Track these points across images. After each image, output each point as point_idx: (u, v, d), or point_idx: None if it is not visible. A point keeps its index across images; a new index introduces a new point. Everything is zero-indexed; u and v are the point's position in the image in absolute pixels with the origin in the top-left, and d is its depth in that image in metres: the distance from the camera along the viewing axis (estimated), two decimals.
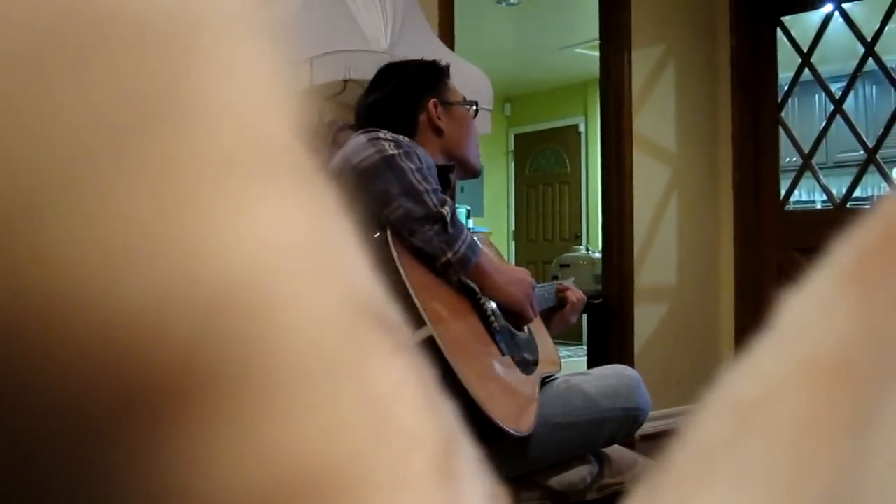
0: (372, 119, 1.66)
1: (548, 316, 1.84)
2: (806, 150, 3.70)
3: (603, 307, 3.55)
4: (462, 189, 5.98)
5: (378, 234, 1.42)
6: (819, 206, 5.32)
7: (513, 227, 8.26)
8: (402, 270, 1.38)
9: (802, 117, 5.37)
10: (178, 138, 0.15)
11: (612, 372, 1.74)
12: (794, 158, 3.84)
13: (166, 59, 0.15)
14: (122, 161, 0.14)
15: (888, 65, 3.50)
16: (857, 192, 3.71)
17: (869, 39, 3.48)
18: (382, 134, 1.49)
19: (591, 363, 3.62)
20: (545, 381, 1.65)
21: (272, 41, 0.17)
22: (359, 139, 1.49)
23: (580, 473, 1.63)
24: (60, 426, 0.14)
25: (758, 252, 3.76)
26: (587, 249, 5.87)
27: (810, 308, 0.19)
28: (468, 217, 5.78)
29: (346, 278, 0.18)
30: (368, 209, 1.43)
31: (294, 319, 0.16)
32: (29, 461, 0.15)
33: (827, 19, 3.61)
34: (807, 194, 5.56)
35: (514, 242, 8.22)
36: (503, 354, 1.54)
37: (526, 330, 1.70)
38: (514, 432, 1.39)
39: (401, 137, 1.51)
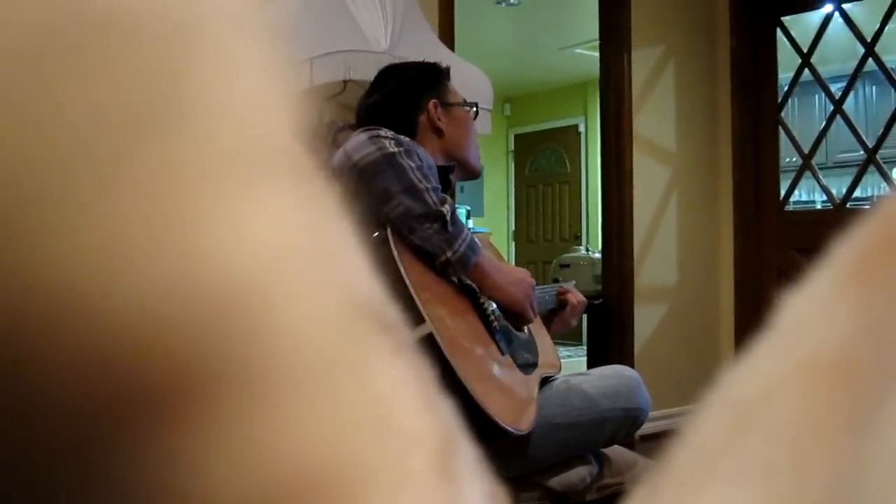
0: (372, 120, 1.66)
1: (548, 318, 1.84)
2: (806, 150, 3.70)
3: (603, 307, 3.55)
4: (462, 189, 5.98)
5: (377, 233, 1.43)
6: (819, 206, 5.32)
7: (513, 228, 8.26)
8: (402, 269, 1.38)
9: (802, 117, 5.37)
10: (177, 138, 0.15)
11: (612, 372, 1.74)
12: (794, 159, 3.84)
13: (166, 59, 0.15)
14: (122, 161, 0.14)
15: (888, 65, 3.50)
16: (857, 193, 3.71)
17: (869, 40, 3.48)
18: (383, 132, 1.49)
19: (591, 363, 3.62)
20: (545, 382, 1.65)
21: (272, 41, 0.17)
22: (360, 137, 1.49)
23: (580, 474, 1.63)
24: (61, 426, 0.14)
25: (758, 252, 3.76)
26: (587, 250, 5.87)
27: (810, 308, 0.19)
28: (468, 217, 5.78)
29: (345, 278, 0.18)
30: (369, 207, 1.43)
31: (294, 319, 0.16)
32: (29, 461, 0.15)
33: (827, 19, 3.61)
34: (807, 194, 5.56)
35: (513, 243, 8.22)
36: (503, 354, 1.54)
37: (526, 331, 1.70)
38: (513, 430, 1.39)
39: (402, 136, 1.52)
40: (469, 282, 1.53)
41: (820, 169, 3.85)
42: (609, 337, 3.57)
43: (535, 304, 1.62)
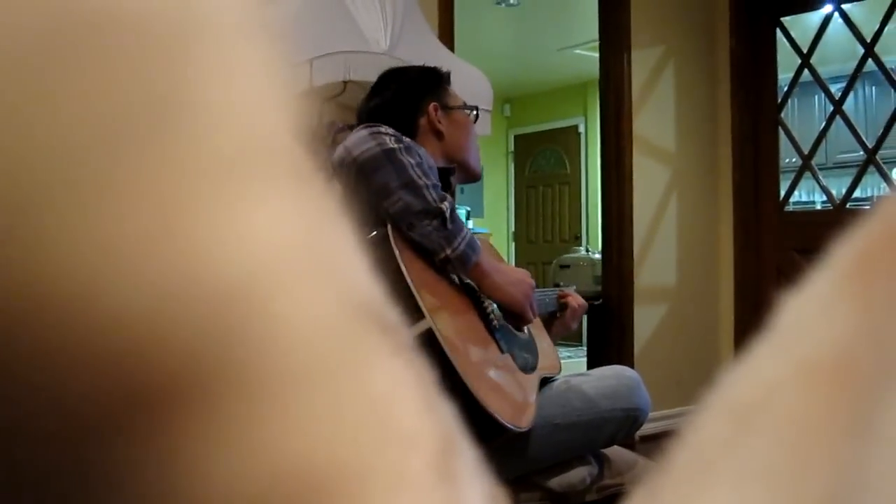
0: (373, 122, 1.66)
1: (548, 321, 1.84)
2: (805, 150, 3.70)
3: (603, 308, 3.55)
4: (462, 190, 5.98)
5: (375, 232, 1.43)
6: (819, 206, 5.33)
7: (512, 229, 8.26)
8: (402, 266, 1.38)
9: (802, 118, 5.37)
10: (177, 139, 0.15)
11: (612, 373, 1.74)
12: (794, 159, 3.84)
13: (165, 60, 0.15)
14: (121, 162, 0.14)
15: (888, 65, 3.50)
16: (857, 193, 3.71)
17: (868, 40, 3.48)
18: (383, 129, 1.50)
19: (591, 364, 3.63)
20: (545, 382, 1.65)
21: (271, 42, 0.17)
22: (360, 133, 1.49)
23: (580, 474, 1.63)
24: (60, 427, 0.14)
25: (757, 253, 3.76)
26: (587, 250, 5.87)
27: (810, 309, 0.19)
28: (468, 218, 5.78)
29: (345, 279, 0.18)
30: (368, 202, 1.44)
31: (293, 320, 0.16)
32: (29, 462, 0.15)
33: (826, 20, 3.61)
34: (806, 195, 5.56)
35: (513, 243, 8.23)
36: (502, 353, 1.54)
37: (526, 331, 1.70)
38: (512, 427, 1.39)
39: (402, 136, 1.52)
40: (469, 281, 1.53)
41: (820, 169, 3.86)
42: (609, 337, 3.58)
43: (535, 305, 1.62)
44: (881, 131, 3.54)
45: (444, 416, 0.19)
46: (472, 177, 1.81)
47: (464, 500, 0.18)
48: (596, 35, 3.69)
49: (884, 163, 3.59)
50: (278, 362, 0.16)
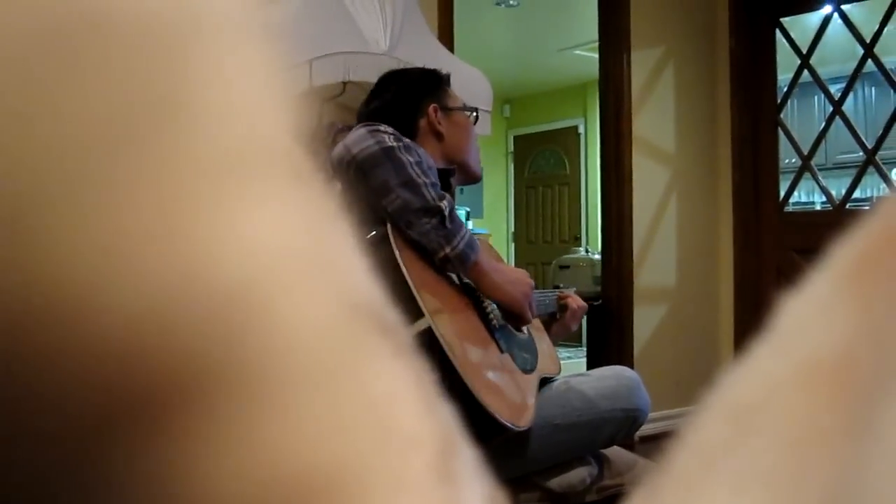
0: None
1: (548, 322, 1.84)
2: (805, 151, 3.70)
3: (602, 309, 3.55)
4: (461, 190, 5.98)
5: (374, 232, 1.43)
6: (818, 207, 5.32)
7: (512, 229, 8.26)
8: (402, 265, 1.38)
9: (801, 118, 5.37)
10: (176, 140, 0.15)
11: (612, 373, 1.74)
12: (794, 160, 3.84)
13: (164, 60, 0.15)
14: (121, 163, 0.14)
15: (887, 66, 3.51)
16: (857, 194, 3.71)
17: (868, 41, 3.48)
18: (383, 127, 1.50)
19: (591, 364, 3.63)
20: (544, 383, 1.65)
21: (271, 43, 0.17)
22: (359, 131, 1.50)
23: (580, 475, 1.63)
24: (60, 427, 0.14)
25: (757, 253, 3.76)
26: (586, 251, 5.88)
27: (810, 310, 0.19)
28: (468, 218, 5.78)
29: (345, 280, 0.18)
30: (367, 200, 1.44)
31: (293, 321, 0.16)
32: (28, 462, 0.15)
33: (826, 20, 3.61)
34: (806, 196, 5.56)
35: (513, 244, 8.23)
36: (502, 352, 1.54)
37: (525, 332, 1.70)
38: (511, 426, 1.39)
39: (402, 136, 1.52)
40: (469, 281, 1.53)
41: (819, 170, 3.86)
42: (608, 338, 3.58)
43: (534, 305, 1.62)
44: (881, 132, 3.54)
45: (444, 418, 0.19)
46: (473, 178, 1.81)
47: (463, 501, 0.18)
48: (596, 36, 3.69)
49: (883, 163, 3.59)
50: (278, 363, 0.16)
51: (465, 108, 1.78)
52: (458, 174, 1.75)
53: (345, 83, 2.09)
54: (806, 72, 3.68)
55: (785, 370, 0.18)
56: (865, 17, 3.63)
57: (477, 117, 1.81)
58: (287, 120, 0.17)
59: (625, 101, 3.53)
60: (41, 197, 0.14)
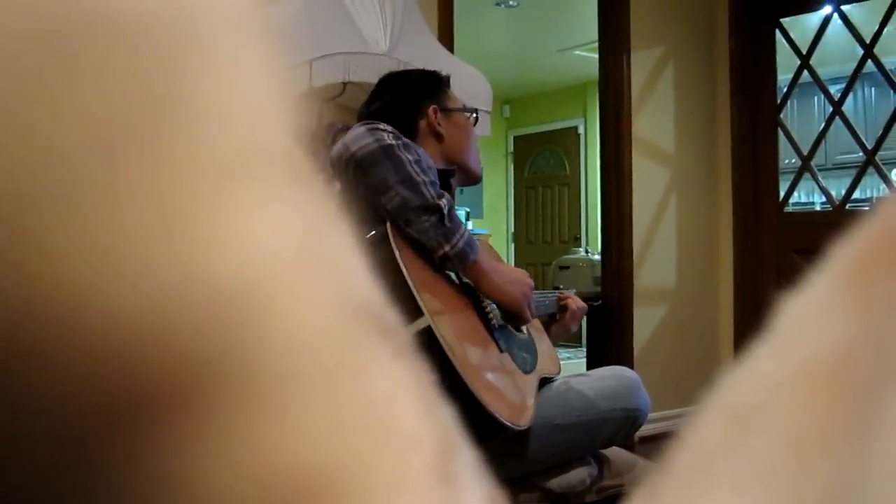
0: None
1: (548, 323, 1.84)
2: (805, 151, 3.71)
3: (602, 309, 3.55)
4: (461, 191, 5.98)
5: (374, 232, 1.43)
6: (818, 207, 5.33)
7: (512, 230, 8.26)
8: (401, 264, 1.38)
9: (801, 119, 5.37)
10: (175, 140, 0.15)
11: (612, 373, 1.74)
12: (793, 160, 3.84)
13: (164, 61, 0.15)
14: (121, 163, 0.14)
15: (887, 66, 3.51)
16: (856, 194, 3.71)
17: (868, 41, 3.48)
18: (382, 126, 1.50)
19: (591, 365, 3.62)
20: (544, 383, 1.65)
21: (270, 43, 0.17)
22: (359, 129, 1.50)
23: (579, 475, 1.63)
24: (60, 427, 0.14)
25: (757, 254, 3.76)
26: (586, 251, 5.87)
27: (809, 310, 0.19)
28: (467, 219, 5.78)
29: (344, 280, 0.18)
30: (366, 198, 1.44)
31: (293, 322, 0.16)
32: (28, 463, 0.15)
33: (826, 21, 3.61)
34: (806, 196, 5.56)
35: (513, 244, 8.23)
36: (501, 352, 1.54)
37: (525, 332, 1.70)
38: (511, 425, 1.39)
39: (401, 135, 1.52)
40: (468, 280, 1.53)
41: (819, 170, 3.86)
42: (608, 338, 3.58)
43: (534, 305, 1.62)
44: (880, 132, 3.54)
45: (443, 418, 0.19)
46: (473, 179, 1.81)
47: (463, 502, 0.18)
48: (595, 36, 3.69)
49: (883, 164, 3.59)
50: (277, 363, 0.16)
51: (464, 109, 1.78)
52: (458, 175, 1.75)
53: (345, 84, 2.09)
54: (806, 72, 3.68)
55: (785, 370, 0.18)
56: (865, 18, 3.63)
57: (477, 118, 1.81)
58: (287, 120, 0.17)
59: (625, 102, 3.53)
60: (41, 197, 0.14)
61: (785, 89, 3.78)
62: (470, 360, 1.41)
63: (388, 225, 1.43)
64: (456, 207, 1.54)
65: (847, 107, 3.65)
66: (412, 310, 1.35)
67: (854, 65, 3.54)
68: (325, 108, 2.15)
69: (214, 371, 0.15)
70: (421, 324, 1.34)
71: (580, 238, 7.47)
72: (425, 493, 0.17)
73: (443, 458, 0.18)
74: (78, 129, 0.14)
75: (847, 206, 3.64)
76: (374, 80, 1.81)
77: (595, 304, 3.47)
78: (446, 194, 1.49)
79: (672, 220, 3.71)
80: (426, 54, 2.22)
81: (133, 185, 0.14)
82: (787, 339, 0.19)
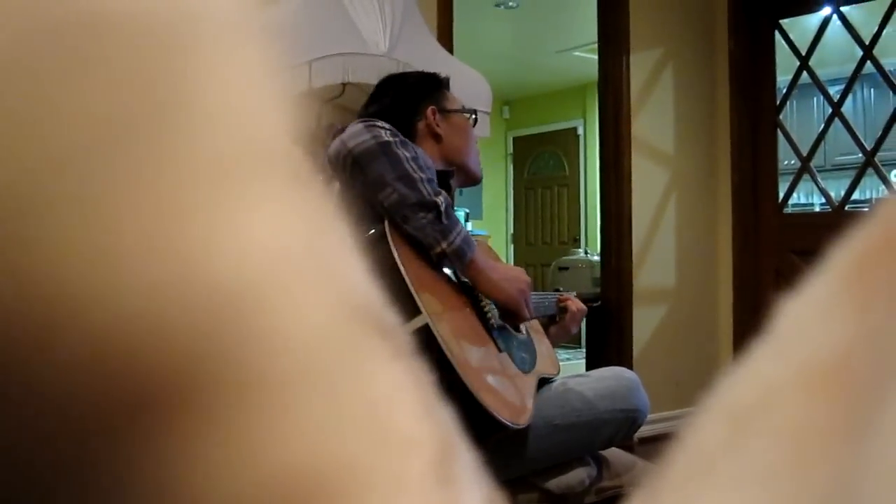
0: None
1: (548, 325, 1.84)
2: (804, 152, 3.71)
3: (601, 310, 3.55)
4: (460, 192, 5.97)
5: (372, 231, 1.43)
6: (817, 208, 5.33)
7: (511, 231, 8.27)
8: (399, 263, 1.38)
9: (801, 120, 5.37)
10: (175, 142, 0.15)
11: (611, 374, 1.74)
12: (793, 161, 3.84)
13: (163, 62, 0.15)
14: (119, 164, 0.14)
15: (886, 68, 3.51)
16: (856, 195, 3.72)
17: (867, 42, 3.48)
18: (380, 123, 1.50)
19: (590, 365, 3.62)
20: (543, 384, 1.65)
21: (269, 44, 0.17)
22: (356, 126, 1.50)
23: (578, 476, 1.63)
24: (60, 428, 0.14)
25: (756, 255, 3.76)
26: (586, 252, 5.87)
27: (809, 312, 0.19)
28: (467, 220, 5.77)
29: (343, 281, 0.18)
30: (363, 195, 1.44)
31: (291, 322, 0.16)
32: (27, 464, 0.15)
33: (825, 22, 3.61)
34: (805, 197, 5.56)
35: (512, 245, 8.23)
36: (500, 351, 1.54)
37: (524, 332, 1.70)
38: (510, 424, 1.39)
39: (399, 133, 1.52)
40: (466, 279, 1.54)
41: (818, 171, 3.86)
42: (608, 339, 3.58)
43: (531, 303, 1.62)
44: (880, 133, 3.54)
45: (442, 420, 0.19)
46: (473, 180, 1.81)
47: (462, 503, 0.18)
48: (595, 37, 3.70)
49: (882, 165, 3.59)
50: (277, 364, 0.16)
51: (463, 109, 1.78)
52: (458, 176, 1.75)
53: (344, 84, 2.09)
54: (805, 73, 3.68)
55: (784, 372, 0.18)
56: (864, 19, 3.63)
57: (476, 119, 1.81)
58: (286, 121, 0.17)
59: (624, 103, 3.54)
60: (40, 197, 0.14)
61: (784, 90, 3.78)
62: (468, 359, 1.41)
63: (386, 223, 1.43)
64: (455, 208, 1.54)
65: (846, 108, 3.65)
66: (410, 309, 1.35)
67: (853, 66, 3.54)
68: (325, 108, 2.15)
69: (213, 371, 0.15)
70: (419, 322, 1.34)
71: (579, 239, 7.47)
72: (424, 494, 0.17)
73: (442, 460, 0.18)
74: (77, 130, 0.14)
75: (846, 208, 3.64)
76: (374, 81, 1.81)
77: (594, 304, 3.47)
78: (443, 192, 1.49)
79: (671, 220, 3.71)
80: (426, 55, 2.22)
81: (132, 186, 0.14)
82: (786, 341, 0.19)
